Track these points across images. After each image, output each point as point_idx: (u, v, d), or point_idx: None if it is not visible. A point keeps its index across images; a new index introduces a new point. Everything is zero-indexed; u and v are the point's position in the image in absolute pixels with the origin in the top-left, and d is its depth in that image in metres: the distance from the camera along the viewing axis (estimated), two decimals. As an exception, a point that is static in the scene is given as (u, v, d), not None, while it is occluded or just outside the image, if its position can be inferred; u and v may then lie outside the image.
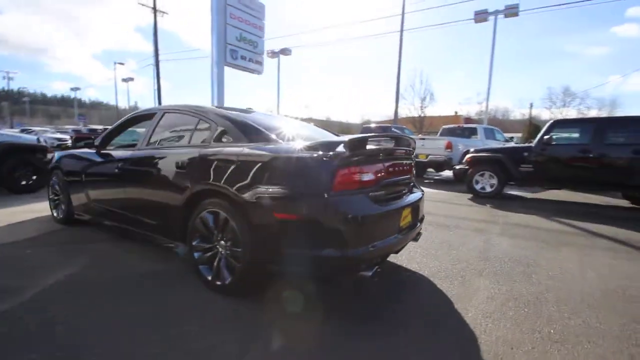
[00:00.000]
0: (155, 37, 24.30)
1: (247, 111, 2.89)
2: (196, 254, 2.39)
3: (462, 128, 11.61)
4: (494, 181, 6.77)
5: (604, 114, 43.63)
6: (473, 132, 11.01)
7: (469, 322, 2.03)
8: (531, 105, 43.43)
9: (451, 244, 3.57)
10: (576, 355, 1.72)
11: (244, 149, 2.21)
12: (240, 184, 2.08)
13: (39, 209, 4.65)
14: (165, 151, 2.72)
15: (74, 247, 3.19)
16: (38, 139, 6.22)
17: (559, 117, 31.32)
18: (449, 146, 9.17)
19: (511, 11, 14.13)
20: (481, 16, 14.85)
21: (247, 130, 2.38)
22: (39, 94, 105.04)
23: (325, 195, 1.82)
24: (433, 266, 2.91)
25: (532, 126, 27.86)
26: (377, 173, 2.10)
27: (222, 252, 2.27)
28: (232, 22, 15.65)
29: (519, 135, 28.05)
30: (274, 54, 22.16)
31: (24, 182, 5.80)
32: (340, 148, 1.89)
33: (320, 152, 1.90)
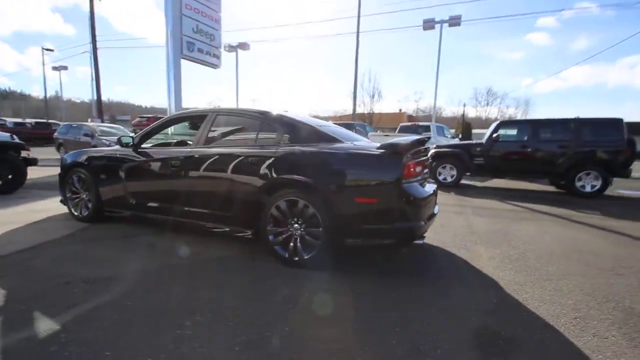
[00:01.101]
0: (92, 21, 22.14)
1: (296, 115, 3.35)
2: (271, 237, 2.83)
3: (417, 126, 12.98)
4: (454, 172, 7.98)
5: (519, 112, 50.49)
6: (427, 129, 12.41)
7: (486, 273, 2.82)
8: (464, 105, 48.32)
9: (442, 223, 4.41)
10: (562, 285, 2.60)
11: (323, 148, 2.72)
12: (323, 176, 2.60)
13: (41, 208, 4.51)
14: (236, 150, 3.07)
15: (122, 241, 3.35)
16: (12, 135, 5.76)
17: (499, 117, 35.62)
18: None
19: (454, 21, 16.11)
20: (429, 24, 16.65)
21: (314, 133, 2.89)
22: None
23: (399, 183, 2.45)
24: (438, 240, 3.68)
25: (465, 123, 31.25)
26: (422, 166, 2.78)
27: (297, 234, 2.76)
28: (188, 12, 15.26)
29: (453, 131, 31.40)
30: (231, 48, 21.72)
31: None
32: (406, 146, 2.52)
33: (392, 150, 2.51)
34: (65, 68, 30.89)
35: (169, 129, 3.99)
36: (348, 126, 14.90)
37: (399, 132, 12.77)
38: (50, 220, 3.98)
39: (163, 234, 3.54)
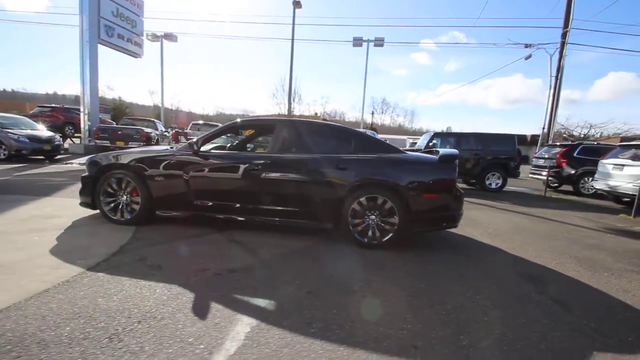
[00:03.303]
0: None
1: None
2: (351, 227, 3.53)
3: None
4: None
5: (407, 121, 58.90)
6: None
7: (488, 243, 4.10)
8: (373, 113, 53.59)
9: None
10: (532, 248, 4.03)
11: (399, 156, 3.59)
12: (401, 178, 3.44)
13: (41, 213, 4.06)
14: (319, 156, 3.63)
15: (200, 240, 3.50)
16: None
17: (391, 124, 40.71)
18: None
19: (379, 43, 18.50)
20: (358, 41, 18.62)
21: (379, 144, 3.71)
22: None
23: (453, 182, 3.48)
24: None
25: (372, 128, 35.12)
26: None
27: (372, 223, 3.53)
28: (108, -8, 13.75)
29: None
30: (155, 38, 19.52)
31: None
32: (457, 155, 3.58)
33: (450, 158, 3.53)
34: None
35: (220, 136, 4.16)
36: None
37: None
38: (83, 225, 3.73)
39: (225, 232, 3.80)
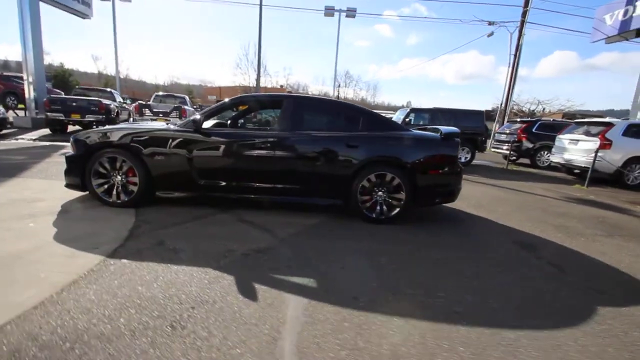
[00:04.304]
0: None
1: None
2: (360, 203, 3.63)
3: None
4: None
5: (370, 95, 59.46)
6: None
7: (476, 214, 4.44)
8: (339, 86, 52.97)
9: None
10: (514, 216, 4.44)
11: (407, 134, 3.69)
12: (409, 155, 3.56)
13: (22, 197, 3.68)
14: (329, 133, 3.63)
15: (206, 221, 3.40)
16: None
17: (354, 97, 40.81)
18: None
19: (350, 13, 18.00)
20: (330, 11, 17.96)
21: (387, 121, 3.77)
22: None
23: (456, 158, 3.67)
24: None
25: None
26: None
27: (379, 200, 3.66)
28: (44, -61, 12.12)
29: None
30: None
31: None
32: (459, 133, 3.75)
33: (453, 136, 3.69)
34: None
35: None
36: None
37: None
38: (75, 209, 3.45)
39: (230, 211, 3.72)
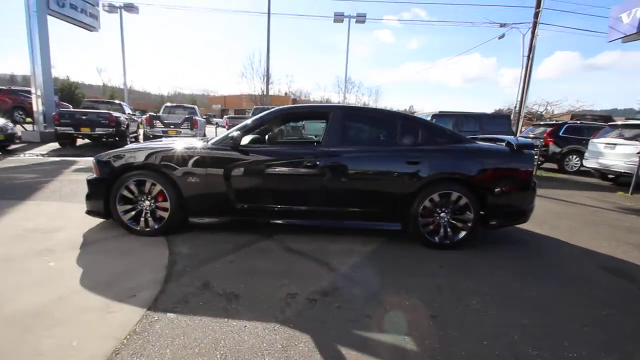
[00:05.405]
0: None
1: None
2: (422, 227, 3.18)
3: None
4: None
5: (372, 100, 59.18)
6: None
7: (540, 233, 3.97)
8: (345, 92, 52.94)
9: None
10: (583, 233, 3.95)
11: (472, 145, 3.25)
12: (477, 171, 3.11)
13: (36, 226, 3.26)
14: (385, 149, 3.24)
15: (252, 249, 2.97)
16: None
17: (356, 103, 40.59)
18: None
19: (360, 18, 17.68)
20: (339, 17, 17.65)
21: (446, 132, 3.33)
22: None
23: (531, 173, 3.21)
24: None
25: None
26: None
27: (442, 222, 3.20)
28: (56, -46, 11.95)
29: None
30: (112, 9, 16.94)
31: None
32: (531, 145, 3.30)
33: (528, 148, 3.25)
34: None
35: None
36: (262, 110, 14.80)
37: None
38: (99, 240, 3.02)
39: (271, 238, 3.28)
